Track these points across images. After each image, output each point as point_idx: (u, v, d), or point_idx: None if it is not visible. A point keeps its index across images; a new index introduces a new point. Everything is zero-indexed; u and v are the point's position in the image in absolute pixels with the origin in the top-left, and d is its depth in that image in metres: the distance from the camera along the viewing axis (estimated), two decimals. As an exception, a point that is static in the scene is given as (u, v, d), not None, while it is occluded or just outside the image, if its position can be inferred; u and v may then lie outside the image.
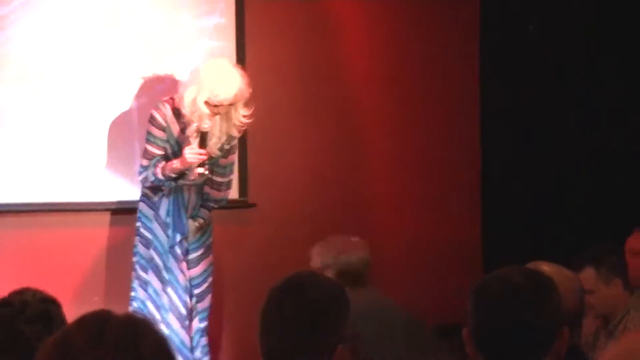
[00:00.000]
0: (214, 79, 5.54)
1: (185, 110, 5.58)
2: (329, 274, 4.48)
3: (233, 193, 6.41)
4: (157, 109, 5.70)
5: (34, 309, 2.74)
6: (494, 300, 2.44)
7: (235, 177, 6.42)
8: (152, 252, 5.74)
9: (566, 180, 6.92)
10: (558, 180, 6.94)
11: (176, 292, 5.69)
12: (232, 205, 6.45)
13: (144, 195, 5.84)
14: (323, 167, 6.64)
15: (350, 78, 6.73)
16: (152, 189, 5.79)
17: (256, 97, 6.46)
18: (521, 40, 6.97)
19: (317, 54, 6.65)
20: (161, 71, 6.24)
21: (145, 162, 5.71)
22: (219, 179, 5.89)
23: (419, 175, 6.84)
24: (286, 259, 6.24)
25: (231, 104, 5.61)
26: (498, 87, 6.98)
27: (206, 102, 5.54)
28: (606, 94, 6.88)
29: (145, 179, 5.73)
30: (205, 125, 5.60)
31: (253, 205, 6.48)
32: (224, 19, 6.39)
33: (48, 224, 6.12)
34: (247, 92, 5.65)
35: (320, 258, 4.70)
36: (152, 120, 5.70)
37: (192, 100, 5.54)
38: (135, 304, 5.75)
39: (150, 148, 5.71)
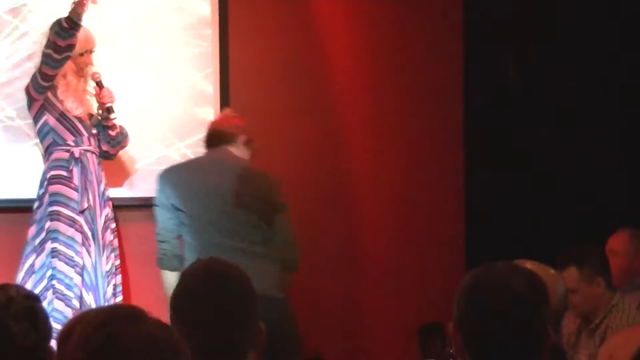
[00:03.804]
0: None
1: None
2: None
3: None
4: None
5: (19, 306, 2.70)
6: (488, 300, 2.42)
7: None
8: None
9: (550, 179, 6.94)
10: (541, 179, 6.96)
11: None
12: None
13: None
14: (307, 167, 6.64)
15: (334, 78, 6.73)
16: None
17: (239, 97, 6.46)
18: (505, 37, 7.00)
19: (301, 54, 6.65)
20: (141, 65, 6.23)
21: None
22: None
23: (403, 174, 6.84)
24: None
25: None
26: (482, 84, 7.00)
27: None
28: (590, 92, 6.90)
29: None
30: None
31: (236, 204, 6.47)
32: (207, 18, 6.37)
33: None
34: None
35: None
36: None
37: None
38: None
39: None
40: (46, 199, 5.52)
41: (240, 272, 2.59)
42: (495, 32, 7.01)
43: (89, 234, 5.51)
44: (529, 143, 6.99)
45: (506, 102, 7.01)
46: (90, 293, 5.49)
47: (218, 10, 6.37)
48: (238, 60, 6.44)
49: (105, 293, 5.53)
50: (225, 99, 6.40)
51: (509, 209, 6.98)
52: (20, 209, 5.87)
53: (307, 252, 6.47)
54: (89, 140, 5.65)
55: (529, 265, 3.49)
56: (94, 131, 5.71)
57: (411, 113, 6.88)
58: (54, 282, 5.42)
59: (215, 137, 5.37)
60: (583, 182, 6.87)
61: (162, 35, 6.24)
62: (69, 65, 5.59)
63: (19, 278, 5.43)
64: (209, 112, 6.23)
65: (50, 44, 5.42)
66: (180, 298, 2.54)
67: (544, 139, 6.97)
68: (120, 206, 5.98)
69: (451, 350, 3.70)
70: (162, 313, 2.09)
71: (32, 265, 5.47)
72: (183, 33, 6.28)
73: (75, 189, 5.52)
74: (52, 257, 5.44)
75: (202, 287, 2.54)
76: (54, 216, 5.48)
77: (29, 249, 5.51)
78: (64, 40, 5.38)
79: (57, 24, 5.39)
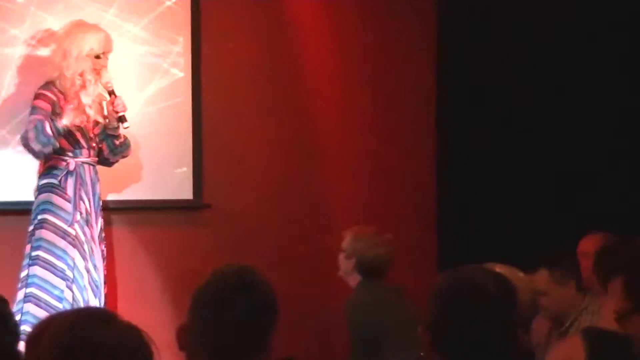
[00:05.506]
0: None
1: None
2: (351, 263, 5.02)
3: (187, 193, 6.39)
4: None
5: (-9, 308, 2.71)
6: (460, 301, 2.44)
7: (189, 177, 6.39)
8: None
9: (521, 183, 6.96)
10: (512, 183, 6.97)
11: None
12: (186, 205, 6.42)
13: None
14: (279, 167, 6.63)
15: (308, 77, 6.73)
16: None
17: (213, 96, 6.45)
18: (478, 36, 7.01)
19: (275, 53, 6.65)
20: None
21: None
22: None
23: (376, 175, 6.85)
24: (241, 260, 6.23)
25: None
26: (454, 84, 7.02)
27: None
28: (564, 92, 6.92)
29: None
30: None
31: (208, 205, 6.45)
32: (179, 15, 6.36)
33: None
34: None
35: (350, 245, 5.08)
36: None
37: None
38: None
39: None
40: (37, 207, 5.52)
41: (267, 283, 2.61)
42: (469, 31, 7.02)
43: (85, 243, 5.48)
44: (502, 145, 7.00)
45: (479, 103, 7.02)
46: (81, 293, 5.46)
47: (190, 12, 6.37)
48: (211, 59, 6.44)
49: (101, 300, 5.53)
50: (197, 102, 6.39)
51: (480, 212, 6.99)
52: (18, 211, 5.87)
53: (282, 251, 6.48)
54: (88, 152, 5.63)
55: (498, 268, 3.51)
56: (94, 144, 5.68)
57: (386, 113, 6.89)
58: (32, 288, 5.38)
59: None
60: (557, 184, 6.89)
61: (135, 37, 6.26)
62: (87, 64, 5.57)
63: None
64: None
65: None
66: (204, 295, 2.55)
67: (517, 142, 6.98)
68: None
69: (422, 354, 3.70)
70: (147, 314, 2.08)
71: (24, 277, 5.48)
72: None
73: (68, 200, 5.49)
74: (32, 265, 5.41)
75: (227, 287, 2.55)
76: (41, 224, 5.46)
77: (24, 262, 5.49)
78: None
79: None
